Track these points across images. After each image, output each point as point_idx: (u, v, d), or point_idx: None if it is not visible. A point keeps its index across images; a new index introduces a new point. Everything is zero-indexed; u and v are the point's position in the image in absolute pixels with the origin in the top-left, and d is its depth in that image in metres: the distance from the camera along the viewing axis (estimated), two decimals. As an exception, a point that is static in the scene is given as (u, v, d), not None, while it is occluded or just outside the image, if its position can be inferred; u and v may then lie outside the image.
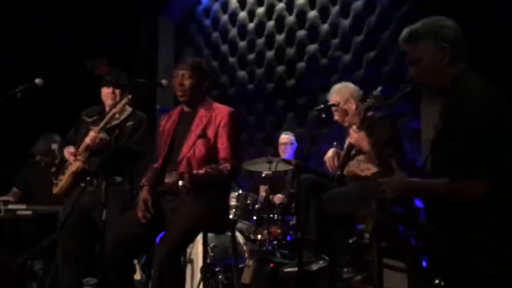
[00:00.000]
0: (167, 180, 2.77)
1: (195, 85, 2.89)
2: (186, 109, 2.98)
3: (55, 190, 3.34)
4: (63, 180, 3.29)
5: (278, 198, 4.56)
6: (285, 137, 5.02)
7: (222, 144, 2.82)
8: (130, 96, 3.18)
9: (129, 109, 3.37)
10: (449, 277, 1.90)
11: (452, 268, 1.86)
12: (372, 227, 2.12)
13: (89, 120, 3.41)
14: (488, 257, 1.80)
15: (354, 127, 3.13)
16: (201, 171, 2.73)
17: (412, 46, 2.04)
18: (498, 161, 1.83)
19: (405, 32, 2.07)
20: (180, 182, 2.64)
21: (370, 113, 3.02)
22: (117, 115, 3.27)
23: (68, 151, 3.28)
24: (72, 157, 3.24)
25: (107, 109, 3.35)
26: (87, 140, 3.20)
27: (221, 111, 2.90)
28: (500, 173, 1.83)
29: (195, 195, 2.68)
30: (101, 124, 3.19)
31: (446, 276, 1.93)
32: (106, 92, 3.40)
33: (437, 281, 1.95)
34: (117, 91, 3.38)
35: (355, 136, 3.08)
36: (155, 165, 2.92)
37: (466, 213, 1.85)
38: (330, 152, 3.41)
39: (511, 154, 1.85)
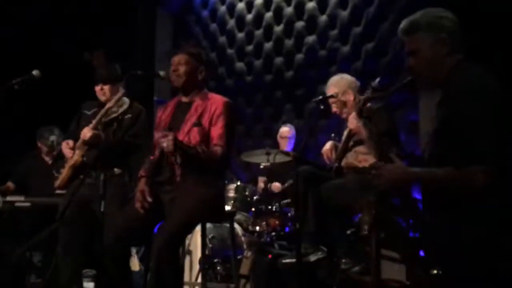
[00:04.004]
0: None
1: (189, 72, 2.89)
2: (182, 99, 2.98)
3: (57, 183, 3.36)
4: (63, 173, 3.31)
5: (276, 186, 4.57)
6: (286, 130, 5.00)
7: (216, 132, 2.81)
8: (123, 91, 3.19)
9: (126, 102, 3.37)
10: (449, 268, 1.90)
11: (453, 260, 1.86)
12: (372, 219, 2.12)
13: (89, 113, 3.41)
14: (490, 250, 1.81)
15: (353, 113, 3.12)
16: (190, 145, 2.73)
17: (411, 37, 2.04)
18: (498, 150, 1.84)
19: (404, 23, 2.07)
20: (164, 144, 2.61)
21: (368, 105, 3.02)
22: (114, 109, 3.27)
23: (66, 146, 3.28)
24: (69, 152, 3.25)
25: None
26: (82, 136, 3.21)
27: (216, 100, 2.89)
28: (500, 161, 1.83)
29: (191, 179, 2.68)
30: (94, 121, 3.21)
31: (446, 267, 1.92)
32: (96, 89, 3.41)
33: (435, 271, 1.95)
34: (106, 87, 3.37)
35: (355, 122, 3.07)
36: (152, 157, 2.92)
37: (466, 206, 1.85)
38: (328, 145, 3.42)
39: (507, 146, 1.86)
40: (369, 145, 3.03)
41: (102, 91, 3.38)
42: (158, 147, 2.77)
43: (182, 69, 2.88)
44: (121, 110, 3.32)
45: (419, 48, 2.03)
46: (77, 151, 3.24)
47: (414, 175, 1.98)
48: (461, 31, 2.02)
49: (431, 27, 2.01)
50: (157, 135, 2.78)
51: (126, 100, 3.39)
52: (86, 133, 3.20)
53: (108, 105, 3.26)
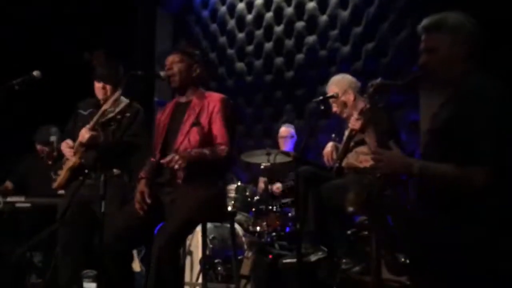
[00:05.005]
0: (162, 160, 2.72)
1: (184, 70, 2.89)
2: (180, 100, 2.98)
3: (54, 185, 3.35)
4: (61, 175, 3.29)
5: (276, 188, 4.57)
6: (285, 130, 5.00)
7: (217, 130, 2.82)
8: (120, 91, 3.18)
9: (124, 101, 3.36)
10: (449, 268, 1.88)
11: (453, 260, 1.85)
12: (358, 199, 2.08)
13: (85, 113, 3.39)
14: (490, 250, 1.81)
15: (355, 114, 3.12)
16: (196, 150, 2.73)
17: (431, 35, 2.05)
18: (500, 152, 1.85)
19: (427, 20, 2.08)
20: (176, 166, 2.61)
21: (367, 106, 3.00)
22: (111, 109, 3.26)
23: (66, 145, 3.27)
24: (69, 151, 3.24)
25: (101, 102, 3.35)
26: (80, 138, 3.20)
27: (214, 98, 2.89)
28: (500, 162, 1.84)
29: (191, 180, 2.68)
30: (92, 123, 3.20)
31: (446, 268, 1.91)
32: (97, 86, 3.39)
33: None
34: (108, 86, 3.35)
35: (358, 123, 3.05)
36: (152, 158, 2.92)
37: (466, 206, 1.85)
38: (329, 147, 3.42)
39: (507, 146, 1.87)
40: (373, 141, 2.99)
41: (103, 89, 3.36)
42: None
43: (176, 68, 2.89)
44: (118, 109, 3.31)
45: (437, 47, 2.04)
46: (75, 153, 3.23)
47: (414, 164, 1.96)
48: (480, 37, 2.04)
49: (453, 28, 2.02)
50: (163, 160, 2.74)
51: (123, 99, 3.38)
52: (84, 134, 3.18)
53: (104, 107, 3.25)
